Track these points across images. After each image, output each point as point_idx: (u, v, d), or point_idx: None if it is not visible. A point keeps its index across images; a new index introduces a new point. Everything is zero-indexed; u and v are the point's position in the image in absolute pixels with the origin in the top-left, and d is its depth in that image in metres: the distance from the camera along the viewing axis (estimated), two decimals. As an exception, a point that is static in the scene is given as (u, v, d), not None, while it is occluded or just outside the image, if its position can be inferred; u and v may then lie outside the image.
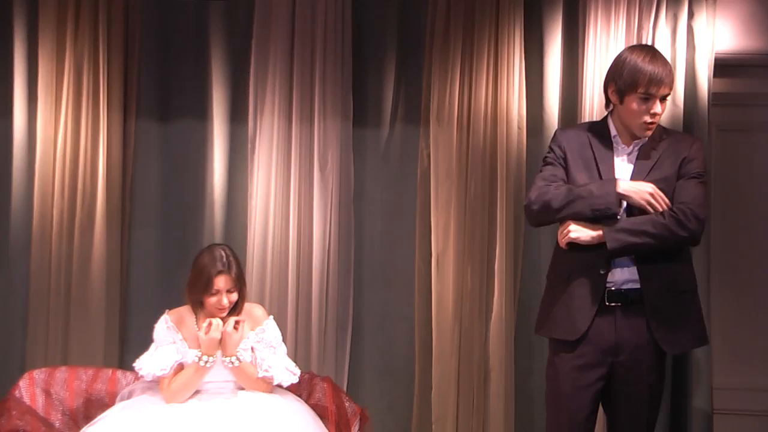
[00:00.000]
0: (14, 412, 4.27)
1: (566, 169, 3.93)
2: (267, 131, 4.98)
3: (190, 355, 4.10)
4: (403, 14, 5.00)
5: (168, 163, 5.03)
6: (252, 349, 4.17)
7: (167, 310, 4.21)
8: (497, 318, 4.85)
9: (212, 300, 4.14)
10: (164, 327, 4.17)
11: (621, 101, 3.88)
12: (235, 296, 4.18)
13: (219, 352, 4.11)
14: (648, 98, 3.83)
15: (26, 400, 4.36)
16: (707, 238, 4.66)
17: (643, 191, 3.80)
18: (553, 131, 4.30)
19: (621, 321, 3.81)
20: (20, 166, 4.96)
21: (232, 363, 4.08)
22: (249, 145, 4.99)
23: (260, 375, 4.13)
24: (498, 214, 4.88)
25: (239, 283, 4.18)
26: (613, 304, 3.80)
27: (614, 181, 3.81)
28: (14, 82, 4.96)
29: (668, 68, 3.85)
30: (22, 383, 4.39)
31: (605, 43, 4.75)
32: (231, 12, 5.01)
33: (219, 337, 4.05)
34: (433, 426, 4.88)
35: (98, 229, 4.94)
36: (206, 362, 4.08)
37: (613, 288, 3.80)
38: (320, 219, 4.96)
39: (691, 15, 4.79)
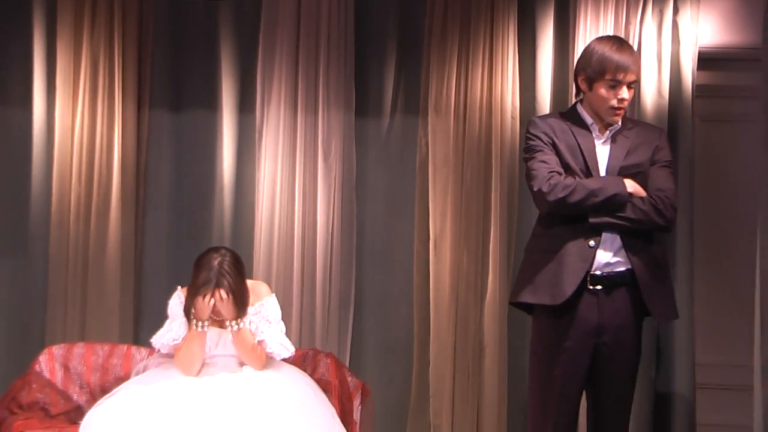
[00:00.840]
0: (35, 386, 4.35)
1: (556, 154, 3.92)
2: (274, 121, 5.00)
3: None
4: (403, 11, 5.02)
5: (179, 151, 5.05)
6: (249, 322, 4.18)
7: (179, 287, 4.21)
8: (491, 297, 4.87)
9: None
10: (177, 302, 4.18)
11: (590, 88, 3.91)
12: (230, 297, 4.10)
13: (228, 329, 4.10)
14: (615, 85, 3.87)
15: (46, 374, 4.41)
16: (690, 222, 4.76)
17: (641, 191, 3.88)
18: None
19: (604, 303, 3.85)
20: (40, 153, 4.99)
21: (238, 325, 4.06)
22: (256, 134, 5.01)
23: (255, 338, 4.10)
24: (492, 199, 4.90)
25: (230, 293, 4.03)
26: (596, 287, 3.84)
27: (622, 180, 3.86)
28: (34, 75, 4.98)
29: (634, 56, 3.92)
30: (42, 358, 4.44)
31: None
32: (240, 8, 5.02)
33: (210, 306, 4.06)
34: (431, 399, 4.91)
35: (113, 213, 4.96)
36: (199, 325, 4.06)
37: (596, 272, 3.84)
38: (324, 204, 4.99)
39: (676, 11, 4.81)
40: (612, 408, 3.95)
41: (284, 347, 4.20)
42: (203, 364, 4.16)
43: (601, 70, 3.88)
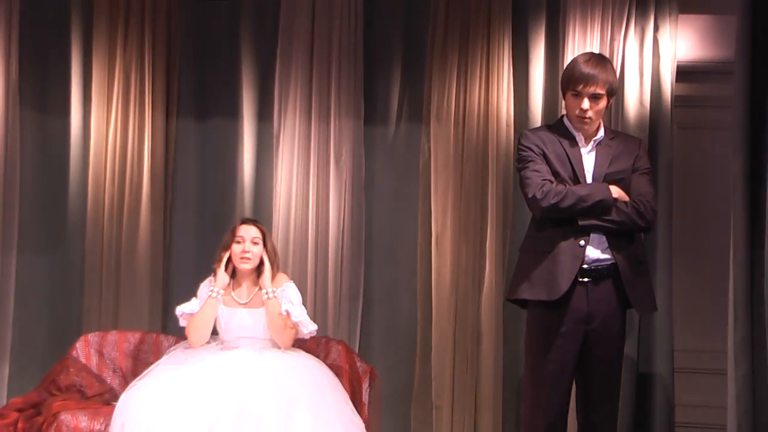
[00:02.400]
0: (72, 370, 4.61)
1: (546, 163, 4.05)
2: (290, 129, 5.13)
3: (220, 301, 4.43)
4: (407, 27, 5.14)
5: (204, 156, 5.18)
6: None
7: (212, 275, 4.53)
8: (488, 290, 4.98)
9: (237, 249, 4.38)
10: (206, 283, 4.51)
11: (564, 97, 4.10)
12: (259, 248, 4.34)
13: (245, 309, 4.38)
14: (577, 95, 4.01)
15: (82, 359, 4.67)
16: (669, 220, 4.85)
17: (625, 196, 4.03)
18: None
19: (593, 293, 4.01)
20: (76, 158, 5.13)
21: (269, 294, 4.32)
22: (274, 141, 5.14)
23: (282, 309, 4.36)
24: (489, 200, 5.00)
25: (263, 237, 4.36)
26: (585, 279, 4.01)
27: (607, 187, 4.00)
28: (71, 86, 5.14)
29: (599, 71, 3.99)
30: (79, 345, 4.70)
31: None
32: (259, 26, 5.15)
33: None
34: (433, 383, 5.02)
35: (144, 213, 5.10)
36: (216, 293, 4.34)
37: (585, 266, 4.00)
38: (335, 204, 5.11)
39: (656, 28, 4.91)
40: (601, 393, 4.09)
41: (309, 321, 4.45)
42: (229, 347, 4.37)
43: (567, 80, 4.06)
